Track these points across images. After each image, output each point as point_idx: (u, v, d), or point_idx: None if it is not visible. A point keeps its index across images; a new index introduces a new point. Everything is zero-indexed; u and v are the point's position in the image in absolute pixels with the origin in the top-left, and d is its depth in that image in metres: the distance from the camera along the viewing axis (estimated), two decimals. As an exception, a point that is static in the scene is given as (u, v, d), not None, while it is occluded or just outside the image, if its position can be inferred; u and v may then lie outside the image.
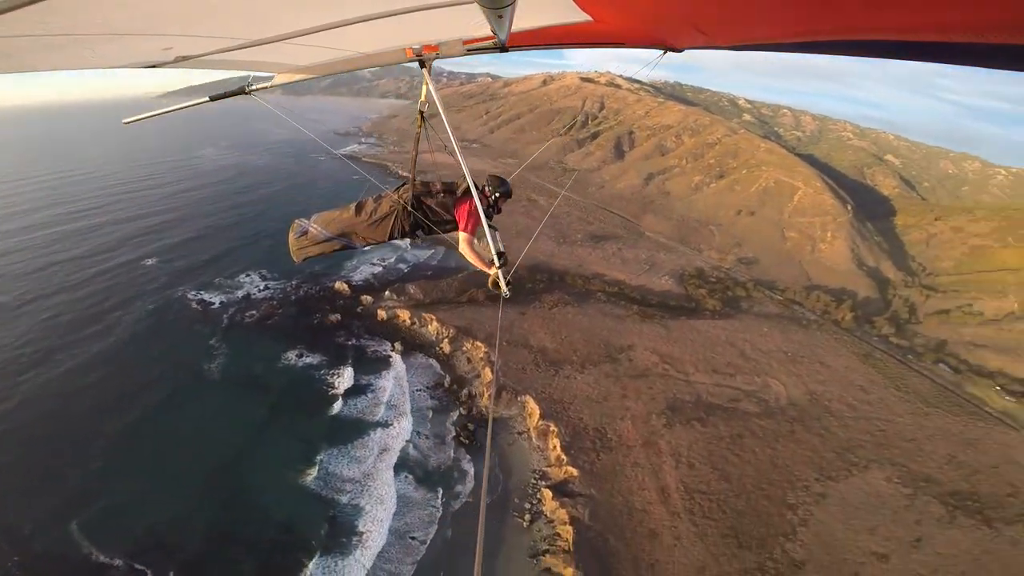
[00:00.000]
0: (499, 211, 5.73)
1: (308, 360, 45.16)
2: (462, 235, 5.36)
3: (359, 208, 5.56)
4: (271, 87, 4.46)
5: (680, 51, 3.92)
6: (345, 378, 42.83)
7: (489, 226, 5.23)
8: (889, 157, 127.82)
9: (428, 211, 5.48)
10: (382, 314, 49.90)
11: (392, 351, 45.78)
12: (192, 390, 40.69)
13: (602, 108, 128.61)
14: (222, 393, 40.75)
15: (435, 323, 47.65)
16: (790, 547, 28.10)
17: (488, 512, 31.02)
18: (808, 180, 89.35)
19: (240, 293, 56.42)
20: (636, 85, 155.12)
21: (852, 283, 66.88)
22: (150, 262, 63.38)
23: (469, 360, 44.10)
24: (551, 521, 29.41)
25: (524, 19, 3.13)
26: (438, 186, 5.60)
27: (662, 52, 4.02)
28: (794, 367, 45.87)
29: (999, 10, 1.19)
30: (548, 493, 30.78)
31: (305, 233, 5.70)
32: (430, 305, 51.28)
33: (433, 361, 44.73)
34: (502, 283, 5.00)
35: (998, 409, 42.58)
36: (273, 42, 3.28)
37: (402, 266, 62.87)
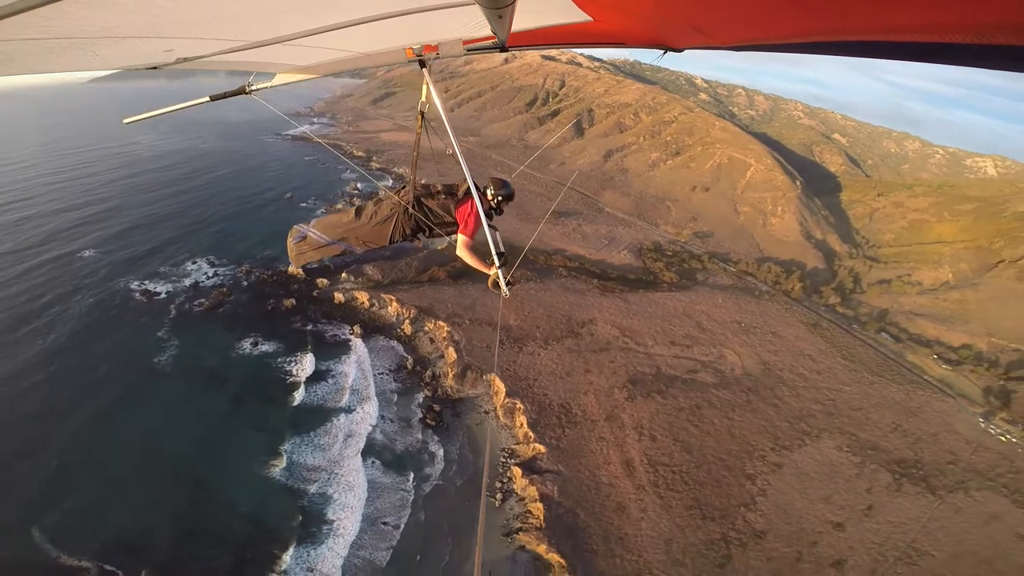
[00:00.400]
0: (500, 213, 5.63)
1: (264, 348, 43.54)
2: (460, 237, 5.31)
3: (359, 212, 5.50)
4: (272, 87, 4.43)
5: (680, 51, 3.98)
6: (304, 365, 41.60)
7: (489, 226, 5.13)
8: (837, 136, 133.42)
9: (429, 213, 5.41)
10: (339, 297, 48.56)
11: (351, 335, 44.70)
12: (144, 386, 38.46)
13: (563, 86, 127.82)
14: (176, 388, 38.73)
15: (395, 304, 46.81)
16: (751, 517, 29.37)
17: (459, 493, 31.18)
18: (760, 157, 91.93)
19: (187, 281, 53.48)
20: (596, 63, 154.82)
21: (801, 255, 69.73)
22: (87, 254, 58.84)
23: (432, 340, 43.64)
24: (522, 499, 29.72)
25: (524, 19, 3.11)
26: (438, 188, 5.54)
27: (662, 52, 4.05)
28: (748, 337, 47.62)
29: (999, 10, 1.18)
30: (518, 471, 31.02)
31: (304, 238, 5.61)
32: (389, 286, 50.24)
33: (395, 343, 44.01)
34: (502, 283, 4.93)
35: (936, 377, 45.55)
36: (274, 44, 3.28)
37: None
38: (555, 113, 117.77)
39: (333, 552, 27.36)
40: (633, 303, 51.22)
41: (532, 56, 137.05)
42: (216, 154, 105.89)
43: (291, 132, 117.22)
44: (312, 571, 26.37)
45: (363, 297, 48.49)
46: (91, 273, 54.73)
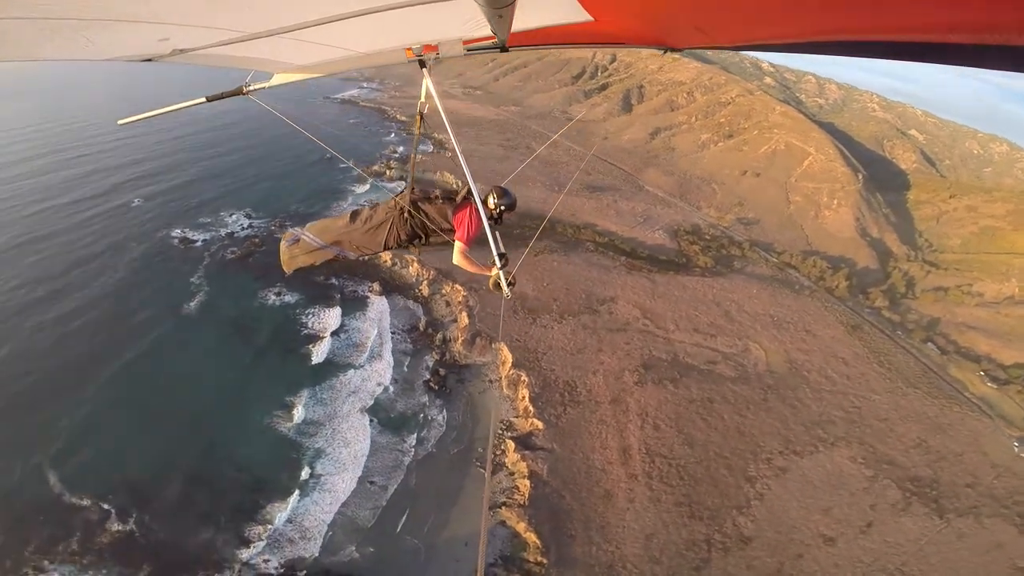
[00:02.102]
0: (501, 223, 5.44)
1: (287, 299, 44.55)
2: (457, 244, 5.19)
3: (354, 216, 5.39)
4: (269, 87, 4.38)
5: (680, 51, 4.02)
6: (320, 318, 42.30)
7: (490, 226, 4.99)
8: (913, 132, 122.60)
9: (426, 218, 5.28)
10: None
11: (370, 292, 45.03)
12: (174, 334, 40.16)
13: (613, 60, 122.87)
14: (201, 334, 40.33)
15: (416, 264, 46.67)
16: (741, 521, 27.68)
17: (452, 460, 31.00)
18: (821, 146, 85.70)
19: (224, 231, 55.55)
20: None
21: (852, 252, 64.93)
22: (142, 205, 61.89)
23: (448, 304, 43.35)
24: (512, 473, 29.16)
25: (525, 19, 3.08)
26: (437, 192, 5.44)
27: (663, 51, 4.01)
28: (778, 333, 44.85)
29: (999, 10, 1.18)
30: (511, 445, 30.43)
31: (297, 242, 5.50)
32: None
33: (411, 303, 44.04)
34: (503, 284, 4.81)
35: (977, 395, 41.55)
36: (272, 35, 3.21)
37: (390, 206, 61.54)
38: (603, 87, 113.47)
39: (320, 508, 27.66)
40: (660, 285, 49.13)
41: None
42: (270, 115, 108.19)
43: (339, 96, 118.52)
44: (296, 525, 26.76)
45: (386, 255, 48.60)
46: (143, 223, 57.55)
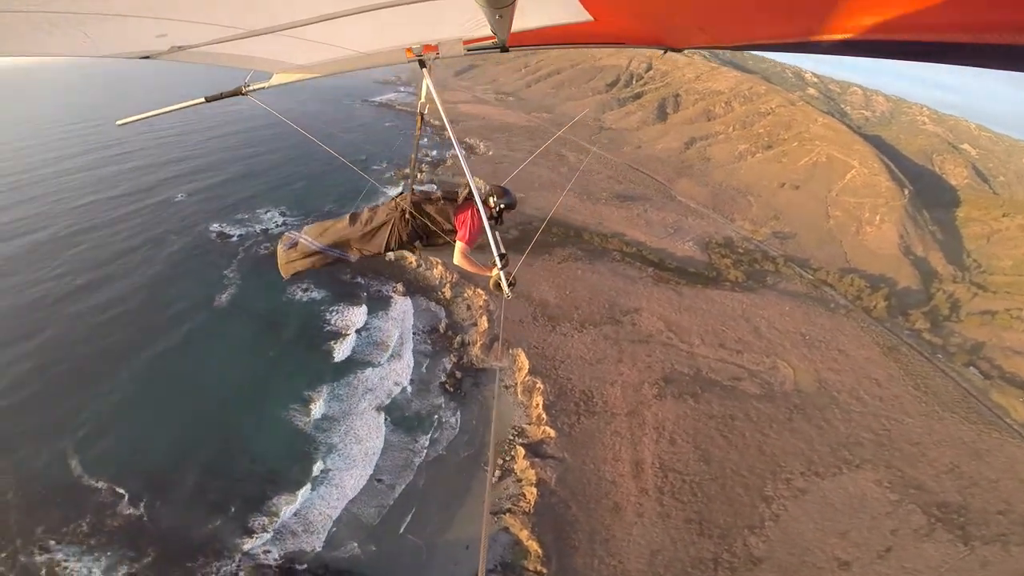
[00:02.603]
0: (501, 222, 5.45)
1: (313, 295, 45.52)
2: (459, 244, 5.17)
3: (353, 218, 5.33)
4: (268, 87, 4.37)
5: (680, 51, 3.95)
6: (344, 316, 43.02)
7: (491, 226, 4.95)
8: (965, 146, 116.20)
9: (428, 219, 5.24)
10: (390, 255, 49.42)
11: (394, 292, 45.57)
12: (205, 326, 41.62)
13: (649, 69, 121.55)
14: (230, 326, 41.69)
15: (440, 267, 47.00)
16: (753, 541, 26.50)
17: (461, 464, 30.85)
18: (865, 159, 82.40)
19: (259, 227, 57.41)
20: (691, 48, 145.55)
21: (894, 271, 61.97)
22: (183, 200, 64.98)
23: (469, 307, 43.43)
24: (519, 480, 28.77)
25: (525, 19, 3.08)
26: (438, 193, 5.42)
27: (663, 52, 3.97)
28: (809, 352, 43.08)
29: (999, 10, 1.20)
30: (521, 451, 30.03)
31: (295, 245, 5.40)
32: (443, 246, 50.40)
33: (433, 305, 44.32)
34: (504, 284, 4.76)
35: (1020, 421, 38.85)
36: (272, 32, 3.20)
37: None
38: (638, 95, 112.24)
39: (327, 503, 27.89)
40: (687, 297, 47.98)
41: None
42: (311, 116, 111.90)
43: (376, 99, 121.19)
44: (302, 519, 27.07)
45: (412, 257, 49.08)
46: (182, 217, 60.10)
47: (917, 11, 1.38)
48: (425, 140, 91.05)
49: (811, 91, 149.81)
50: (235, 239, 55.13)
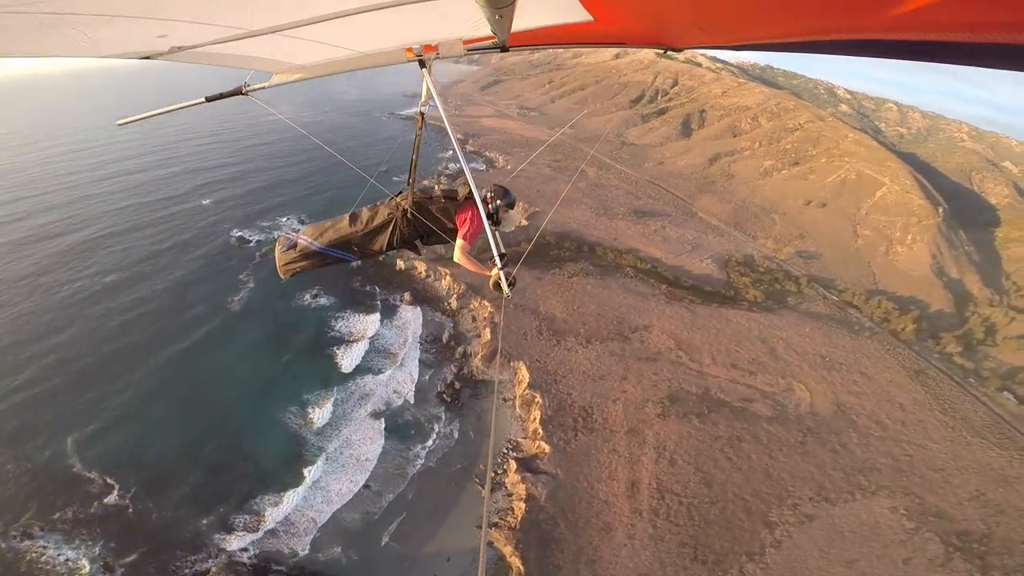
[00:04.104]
0: (499, 222, 5.42)
1: (322, 301, 46.19)
2: (459, 242, 5.16)
3: (353, 218, 5.31)
4: (269, 87, 4.39)
5: (680, 51, 3.92)
6: (350, 323, 43.42)
7: (491, 226, 5.03)
8: (1007, 164, 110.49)
9: (429, 218, 5.25)
10: (401, 264, 49.88)
11: (401, 302, 45.78)
12: (219, 328, 42.83)
13: (675, 85, 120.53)
14: (241, 328, 43.00)
15: (448, 278, 47.00)
16: (750, 569, 25.02)
17: (453, 475, 30.43)
18: (896, 176, 79.30)
19: (277, 233, 58.77)
20: (719, 64, 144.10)
21: (925, 293, 58.89)
22: (211, 207, 68.25)
23: (474, 319, 43.17)
24: (509, 495, 28.14)
25: (525, 19, 3.10)
26: (438, 192, 5.41)
27: (663, 51, 3.98)
28: (828, 374, 41.07)
29: (999, 10, 1.20)
30: (513, 465, 29.43)
31: (294, 246, 5.38)
32: (451, 260, 50.38)
33: (439, 315, 44.26)
34: (503, 284, 4.75)
35: None
36: (272, 32, 3.20)
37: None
38: (662, 111, 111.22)
39: (315, 508, 27.94)
40: (701, 316, 46.57)
41: (646, 53, 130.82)
42: (341, 128, 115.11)
43: (403, 112, 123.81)
44: (289, 522, 27.08)
45: (421, 267, 49.37)
46: (211, 223, 62.67)
47: (917, 10, 1.35)
48: (448, 152, 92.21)
49: (843, 108, 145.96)
50: (252, 244, 56.85)
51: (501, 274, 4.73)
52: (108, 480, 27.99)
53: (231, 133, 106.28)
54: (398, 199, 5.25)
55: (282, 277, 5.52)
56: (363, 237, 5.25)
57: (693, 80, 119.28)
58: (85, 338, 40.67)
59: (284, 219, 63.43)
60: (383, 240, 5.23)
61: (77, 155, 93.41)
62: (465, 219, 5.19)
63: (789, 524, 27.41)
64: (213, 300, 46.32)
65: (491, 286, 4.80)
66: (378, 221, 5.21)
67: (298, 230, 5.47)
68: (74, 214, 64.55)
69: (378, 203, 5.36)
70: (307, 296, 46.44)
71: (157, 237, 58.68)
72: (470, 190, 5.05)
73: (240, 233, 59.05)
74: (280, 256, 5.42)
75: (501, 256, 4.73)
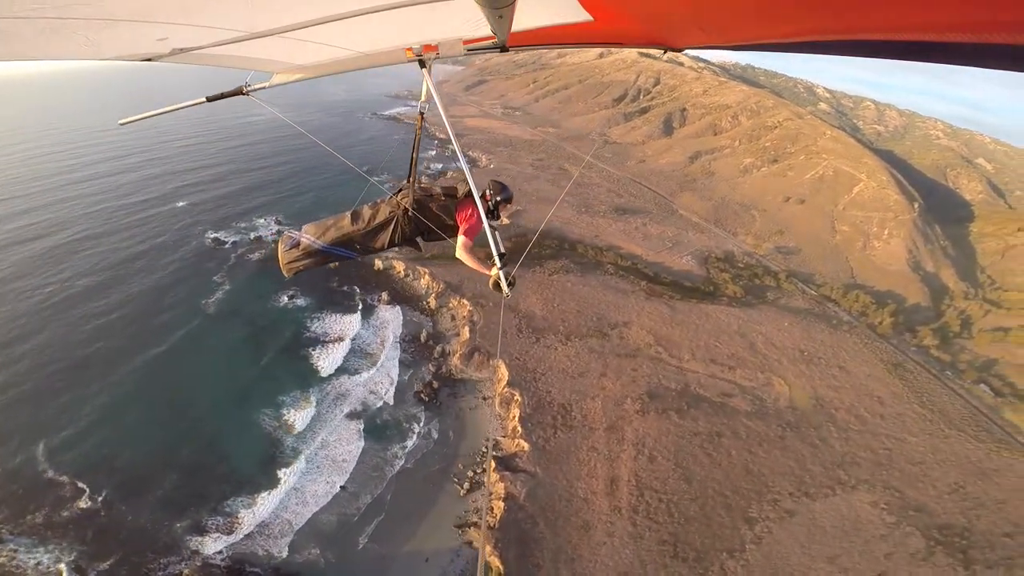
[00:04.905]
0: (498, 217, 5.55)
1: (298, 302, 45.40)
2: (460, 239, 5.26)
3: (355, 216, 5.35)
4: (269, 87, 4.40)
5: (680, 51, 3.93)
6: (327, 324, 42.72)
7: (490, 226, 5.09)
8: (980, 160, 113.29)
9: (430, 215, 5.30)
10: (379, 264, 49.29)
11: (379, 302, 45.17)
12: (194, 331, 41.85)
13: (657, 84, 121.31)
14: (215, 330, 42.08)
15: (427, 277, 46.51)
16: (731, 565, 24.87)
17: (431, 476, 30.05)
18: (873, 173, 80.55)
19: (252, 235, 57.90)
20: (701, 64, 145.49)
21: (902, 287, 59.84)
22: (187, 208, 66.76)
23: (453, 318, 42.76)
24: (488, 493, 27.86)
25: (525, 19, 3.11)
26: (438, 189, 5.48)
27: (663, 51, 4.02)
28: (807, 368, 41.41)
29: (999, 10, 1.19)
30: (492, 464, 29.11)
31: (296, 245, 5.36)
32: (429, 259, 49.90)
33: (417, 315, 43.76)
34: (503, 284, 4.79)
35: None
36: (272, 35, 3.22)
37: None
38: (644, 110, 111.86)
39: (292, 511, 27.33)
40: (680, 312, 46.69)
41: (628, 52, 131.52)
42: (323, 129, 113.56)
43: (386, 112, 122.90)
44: (266, 524, 26.48)
45: (400, 267, 48.83)
46: (186, 226, 61.28)
47: (917, 10, 1.35)
48: (432, 152, 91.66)
49: (823, 106, 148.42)
50: (228, 245, 55.90)
51: (501, 274, 4.77)
52: (81, 484, 27.24)
53: (214, 134, 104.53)
54: (399, 197, 5.30)
55: (286, 275, 5.50)
56: (365, 235, 5.29)
57: (675, 79, 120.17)
58: (59, 342, 39.50)
59: (262, 220, 62.31)
60: (385, 238, 5.28)
61: (58, 156, 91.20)
62: (465, 216, 5.27)
63: (769, 520, 27.37)
64: (189, 303, 45.30)
65: (491, 285, 4.87)
66: (380, 219, 5.26)
67: (300, 229, 5.48)
68: (51, 216, 62.85)
69: (379, 201, 5.39)
70: (284, 297, 45.64)
71: (133, 240, 57.31)
72: (469, 188, 5.13)
73: (216, 235, 57.89)
74: (283, 255, 5.39)
75: (500, 256, 4.79)
